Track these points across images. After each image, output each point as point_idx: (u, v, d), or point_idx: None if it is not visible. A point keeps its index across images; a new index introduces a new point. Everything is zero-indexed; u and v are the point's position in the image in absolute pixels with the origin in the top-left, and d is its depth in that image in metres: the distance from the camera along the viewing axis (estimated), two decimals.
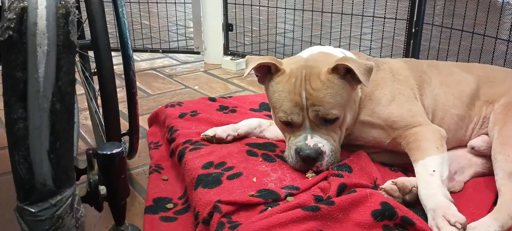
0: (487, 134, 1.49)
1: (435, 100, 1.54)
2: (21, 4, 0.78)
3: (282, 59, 1.51)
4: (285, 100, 1.36)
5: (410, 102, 1.46)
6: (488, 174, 1.43)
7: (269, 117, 1.82)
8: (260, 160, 1.45)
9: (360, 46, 2.81)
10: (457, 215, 1.12)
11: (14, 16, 0.77)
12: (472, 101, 1.55)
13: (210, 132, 1.60)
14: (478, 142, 1.49)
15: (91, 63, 1.85)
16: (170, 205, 1.38)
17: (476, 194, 1.36)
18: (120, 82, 1.56)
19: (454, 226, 1.10)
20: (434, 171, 1.27)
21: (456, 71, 1.62)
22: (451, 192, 1.35)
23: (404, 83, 1.51)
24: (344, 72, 1.35)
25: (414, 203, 1.25)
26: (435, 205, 1.17)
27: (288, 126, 1.40)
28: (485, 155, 1.46)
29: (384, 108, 1.44)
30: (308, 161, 1.35)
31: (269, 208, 1.19)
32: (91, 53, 1.31)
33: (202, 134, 1.61)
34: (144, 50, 3.20)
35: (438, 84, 1.57)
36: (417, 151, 1.35)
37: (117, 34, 1.31)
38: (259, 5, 2.97)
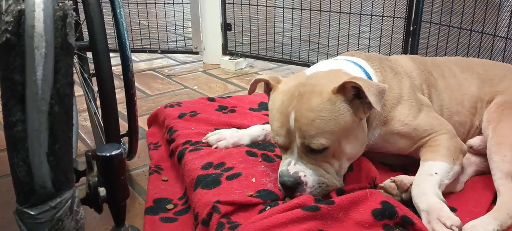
0: None
1: (441, 106, 1.52)
2: (19, 7, 0.77)
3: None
4: (273, 119, 1.27)
5: (433, 110, 1.44)
6: (488, 172, 1.42)
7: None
8: (260, 160, 1.44)
9: (358, 45, 2.82)
10: (452, 217, 1.12)
11: (12, 19, 0.77)
12: (473, 105, 1.54)
13: (212, 141, 1.56)
14: (476, 141, 1.49)
15: (89, 64, 1.84)
16: (170, 206, 1.38)
17: (475, 192, 1.36)
18: (119, 83, 1.56)
19: (450, 229, 1.10)
20: (436, 173, 1.26)
21: (457, 72, 1.60)
22: (452, 192, 1.35)
23: (419, 90, 1.48)
24: (352, 97, 1.21)
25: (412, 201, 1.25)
26: (427, 206, 1.16)
27: (279, 147, 1.31)
28: (484, 154, 1.46)
29: (414, 119, 1.37)
30: (285, 189, 1.24)
31: (268, 208, 1.19)
32: (89, 55, 1.31)
33: (203, 139, 1.59)
34: (143, 51, 3.20)
35: (443, 88, 1.55)
36: (432, 153, 1.33)
37: (115, 35, 1.31)
38: (257, 5, 2.97)
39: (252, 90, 1.44)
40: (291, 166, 1.24)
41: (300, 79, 1.29)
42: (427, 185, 1.23)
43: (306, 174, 1.22)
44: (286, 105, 1.23)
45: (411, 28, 2.45)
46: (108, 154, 0.99)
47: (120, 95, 1.34)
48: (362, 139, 1.29)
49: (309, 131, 1.19)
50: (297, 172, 1.22)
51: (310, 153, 1.22)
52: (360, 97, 1.21)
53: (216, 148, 1.54)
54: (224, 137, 1.56)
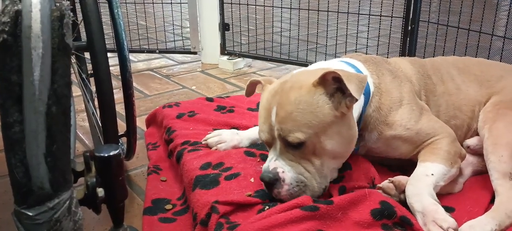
0: None
1: (437, 111, 1.51)
2: (15, 7, 0.77)
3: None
4: (259, 117, 1.28)
5: (432, 115, 1.43)
6: (485, 171, 1.42)
7: None
8: (258, 160, 1.44)
9: (356, 45, 2.82)
10: (448, 219, 1.12)
11: (8, 20, 0.77)
12: (471, 108, 1.53)
13: (212, 143, 1.55)
14: (473, 141, 1.49)
15: (87, 64, 1.84)
16: (169, 206, 1.37)
17: (473, 192, 1.36)
18: (117, 84, 1.56)
19: None
20: (432, 174, 1.26)
21: (455, 75, 1.59)
22: (450, 193, 1.35)
23: (418, 96, 1.48)
24: (334, 90, 1.19)
25: None
26: (422, 207, 1.16)
27: (264, 144, 1.30)
28: (481, 153, 1.46)
29: (416, 124, 1.36)
30: (265, 185, 1.23)
31: (267, 207, 1.19)
32: (87, 55, 1.31)
33: (203, 140, 1.58)
34: (141, 51, 3.20)
35: (441, 93, 1.54)
36: (431, 155, 1.32)
37: (113, 35, 1.31)
38: (255, 5, 2.96)
39: (249, 92, 1.44)
40: (272, 162, 1.22)
41: (286, 77, 1.30)
42: (422, 185, 1.22)
43: (285, 170, 1.20)
44: (270, 101, 1.24)
45: (409, 27, 2.45)
46: (106, 155, 0.99)
47: (118, 95, 1.34)
48: (348, 137, 1.24)
49: (286, 124, 1.18)
50: (276, 168, 1.20)
51: (289, 148, 1.20)
52: (343, 91, 1.18)
53: (215, 149, 1.54)
54: (224, 140, 1.55)
